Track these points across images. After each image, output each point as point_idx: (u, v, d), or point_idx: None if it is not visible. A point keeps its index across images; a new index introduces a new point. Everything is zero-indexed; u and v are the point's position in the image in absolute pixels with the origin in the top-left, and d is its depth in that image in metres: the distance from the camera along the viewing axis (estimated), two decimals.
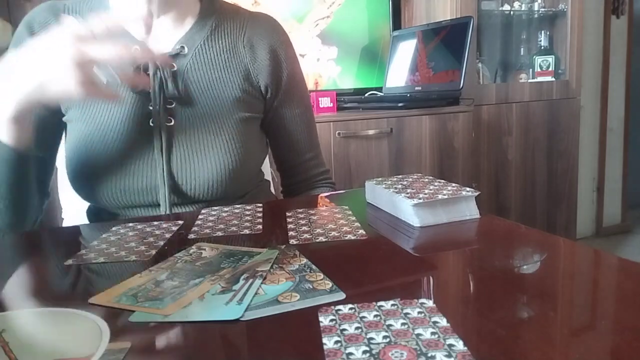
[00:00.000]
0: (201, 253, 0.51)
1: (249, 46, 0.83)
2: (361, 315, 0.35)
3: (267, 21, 0.87)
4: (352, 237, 0.54)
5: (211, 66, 0.80)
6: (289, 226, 0.60)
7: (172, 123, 0.77)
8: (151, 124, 0.76)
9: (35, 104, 0.62)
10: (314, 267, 0.46)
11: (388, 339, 0.32)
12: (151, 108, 0.76)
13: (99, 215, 0.85)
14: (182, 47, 0.79)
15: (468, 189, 0.60)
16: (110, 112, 0.76)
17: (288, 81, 0.87)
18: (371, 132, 1.75)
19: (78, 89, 0.56)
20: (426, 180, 0.67)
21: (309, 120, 0.92)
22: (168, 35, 0.80)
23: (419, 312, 0.36)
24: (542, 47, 2.42)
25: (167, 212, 0.77)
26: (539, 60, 2.40)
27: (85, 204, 0.87)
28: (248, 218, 0.64)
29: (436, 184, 0.64)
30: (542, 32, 2.41)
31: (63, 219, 1.05)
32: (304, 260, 0.48)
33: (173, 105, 0.78)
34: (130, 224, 0.64)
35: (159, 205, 0.78)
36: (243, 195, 0.85)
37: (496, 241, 0.54)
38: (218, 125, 0.78)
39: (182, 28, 0.81)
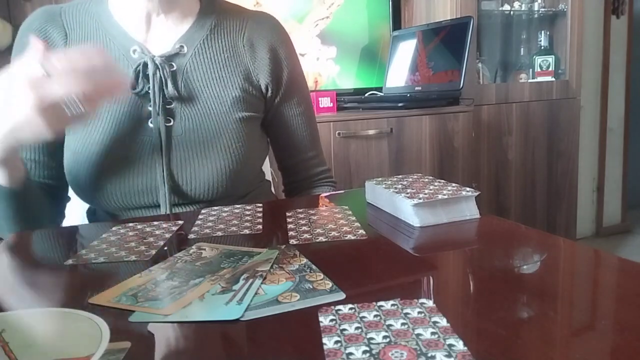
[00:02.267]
0: (201, 253, 0.51)
1: (249, 45, 0.83)
2: (361, 315, 0.35)
3: (267, 20, 0.87)
4: (352, 237, 0.54)
5: (211, 65, 0.80)
6: (289, 226, 0.60)
7: (171, 123, 0.77)
8: (150, 124, 0.76)
9: (14, 147, 0.62)
10: (314, 267, 0.46)
11: (388, 339, 0.32)
12: (150, 108, 0.76)
13: (99, 216, 0.85)
14: (182, 46, 0.79)
15: (468, 189, 0.60)
16: (109, 114, 0.76)
17: (288, 80, 0.86)
18: (371, 132, 1.75)
19: (47, 131, 0.56)
20: (426, 180, 0.67)
21: (310, 119, 0.92)
22: (167, 34, 0.80)
23: (419, 312, 0.35)
24: (542, 47, 2.42)
25: (168, 212, 0.77)
26: (539, 60, 2.40)
27: (85, 204, 0.87)
28: (248, 218, 0.64)
29: (436, 184, 0.64)
30: (542, 32, 2.41)
31: None
32: (304, 260, 0.48)
33: (172, 105, 0.77)
34: (130, 224, 0.64)
35: (159, 206, 0.77)
36: (244, 195, 0.85)
37: (496, 241, 0.54)
38: (218, 124, 0.78)
39: (181, 27, 0.81)
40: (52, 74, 0.54)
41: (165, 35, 0.80)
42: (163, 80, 0.76)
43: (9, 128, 0.57)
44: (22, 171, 0.69)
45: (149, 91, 0.76)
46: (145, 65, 0.76)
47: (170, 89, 0.76)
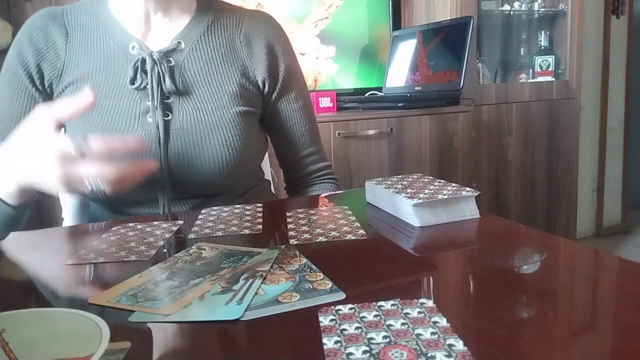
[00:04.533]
0: (201, 253, 0.51)
1: (246, 41, 0.84)
2: (361, 315, 0.35)
3: (264, 17, 0.88)
4: (352, 237, 0.54)
5: (208, 61, 0.81)
6: (289, 226, 0.60)
7: (169, 117, 0.78)
8: (149, 118, 0.77)
9: (31, 186, 0.63)
10: (314, 267, 0.46)
11: (388, 339, 0.32)
12: (149, 103, 0.77)
13: (99, 216, 0.85)
14: (179, 42, 0.80)
15: (468, 189, 0.60)
16: (107, 108, 0.77)
17: (285, 75, 0.87)
18: (371, 132, 1.75)
19: (62, 190, 0.59)
20: (426, 180, 0.67)
21: (309, 115, 0.92)
22: (165, 31, 0.81)
23: (419, 312, 0.35)
24: (542, 47, 2.42)
25: (166, 207, 0.77)
26: (539, 60, 2.40)
27: (85, 205, 0.87)
28: (248, 218, 0.64)
29: (436, 184, 0.64)
30: (542, 32, 2.41)
31: (63, 219, 1.06)
32: (304, 260, 0.48)
33: (170, 100, 0.78)
34: (130, 224, 0.64)
35: (157, 200, 0.78)
36: (243, 193, 0.85)
37: (496, 241, 0.54)
38: (216, 119, 0.79)
39: (179, 24, 0.82)
40: (83, 155, 0.57)
41: (163, 32, 0.81)
42: (161, 75, 0.77)
43: (28, 180, 0.60)
44: (31, 197, 0.69)
45: (148, 86, 0.77)
46: (143, 60, 0.77)
47: (168, 84, 0.77)
